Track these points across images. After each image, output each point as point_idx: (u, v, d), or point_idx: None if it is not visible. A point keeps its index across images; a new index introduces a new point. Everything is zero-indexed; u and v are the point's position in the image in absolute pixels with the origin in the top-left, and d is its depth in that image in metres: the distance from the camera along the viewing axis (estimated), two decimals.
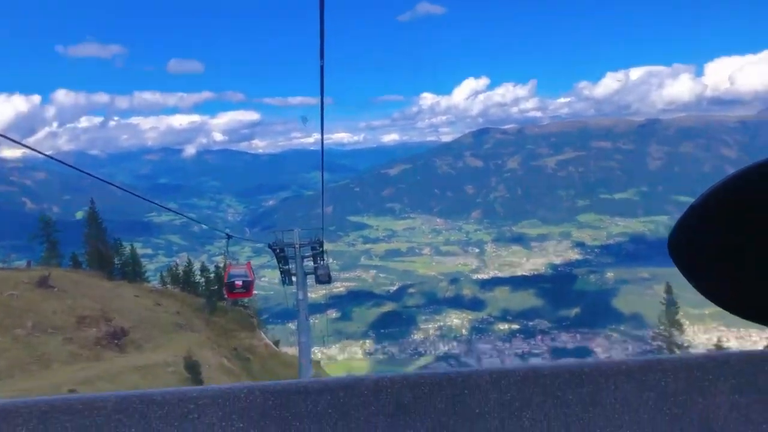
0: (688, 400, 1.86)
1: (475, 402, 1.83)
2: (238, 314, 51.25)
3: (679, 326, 47.94)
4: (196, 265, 59.95)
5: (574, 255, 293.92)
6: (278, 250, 35.87)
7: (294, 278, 36.12)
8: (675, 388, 1.89)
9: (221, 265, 67.09)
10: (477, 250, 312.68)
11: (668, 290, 54.67)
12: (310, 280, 39.12)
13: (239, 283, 28.74)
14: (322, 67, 8.60)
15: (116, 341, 31.04)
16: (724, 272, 1.37)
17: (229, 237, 30.96)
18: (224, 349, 38.82)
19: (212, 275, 53.63)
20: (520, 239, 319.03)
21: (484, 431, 1.80)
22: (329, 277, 35.53)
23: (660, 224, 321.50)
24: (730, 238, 1.31)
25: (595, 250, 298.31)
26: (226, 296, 32.97)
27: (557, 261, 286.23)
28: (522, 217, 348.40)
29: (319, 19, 6.93)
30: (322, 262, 36.97)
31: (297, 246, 35.28)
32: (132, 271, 52.12)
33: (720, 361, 1.91)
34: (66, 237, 57.66)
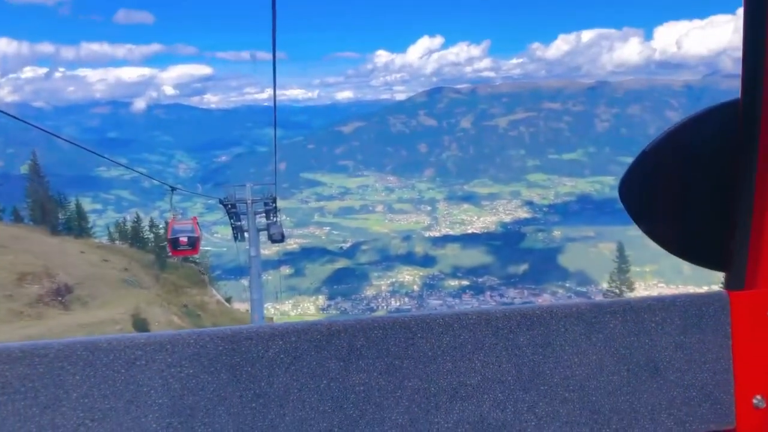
0: (636, 341, 1.92)
1: (427, 345, 1.82)
2: (188, 270, 49.74)
3: (629, 284, 48.79)
4: (146, 221, 58.22)
5: (523, 213, 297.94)
6: (230, 206, 34.60)
7: (246, 234, 35.26)
8: (623, 330, 1.93)
9: (164, 216, 65.31)
10: (429, 208, 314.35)
11: (620, 249, 55.61)
12: (263, 236, 38.23)
13: (184, 239, 26.84)
14: (273, 20, 8.71)
15: (60, 298, 29.80)
16: (673, 217, 1.50)
17: (173, 189, 28.24)
18: (174, 306, 37.77)
19: (162, 231, 52.12)
20: (471, 198, 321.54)
21: (436, 373, 1.82)
22: (282, 236, 34.84)
23: (606, 184, 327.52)
24: (680, 183, 1.44)
25: (544, 208, 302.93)
26: (169, 254, 30.47)
27: (507, 219, 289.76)
28: (473, 176, 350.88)
29: None
30: (275, 220, 36.21)
31: (249, 202, 34.25)
32: (78, 226, 49.92)
33: (667, 302, 1.99)
34: (10, 191, 55.17)
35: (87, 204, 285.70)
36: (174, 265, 48.60)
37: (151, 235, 52.15)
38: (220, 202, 34.48)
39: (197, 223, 28.76)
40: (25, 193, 49.52)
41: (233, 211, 34.76)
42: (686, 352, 1.91)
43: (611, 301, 1.96)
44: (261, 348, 1.73)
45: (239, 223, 35.79)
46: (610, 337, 1.91)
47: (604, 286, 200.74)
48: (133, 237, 52.61)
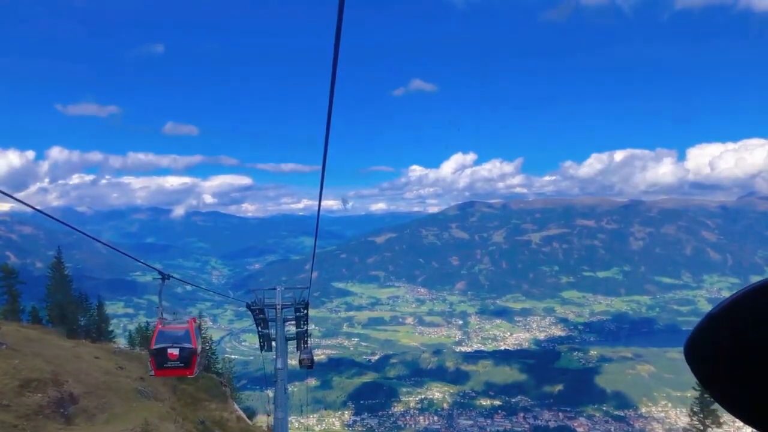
0: None
1: None
2: (209, 382, 45.87)
3: (715, 418, 42.56)
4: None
5: (558, 331, 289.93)
6: (257, 311, 32.01)
7: (274, 344, 32.48)
8: None
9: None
10: (460, 322, 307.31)
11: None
12: (291, 346, 35.34)
13: (174, 352, 18.89)
14: (326, 138, 8.09)
15: (62, 410, 26.52)
16: (740, 383, 1.36)
17: (164, 278, 19.53)
18: (190, 422, 34.10)
19: None
20: (503, 313, 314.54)
21: None
22: (312, 362, 32.46)
23: (642, 304, 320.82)
24: (748, 348, 1.30)
25: (579, 326, 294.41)
26: (151, 373, 19.55)
27: (541, 336, 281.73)
28: (506, 290, 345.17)
29: (329, 95, 6.58)
30: (305, 347, 33.88)
31: (278, 307, 31.58)
32: (96, 329, 47.13)
33: None
34: (40, 292, 53.26)
35: (120, 308, 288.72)
36: (193, 375, 45.06)
37: None
38: (248, 306, 31.88)
39: (195, 327, 20.52)
40: (46, 293, 47.23)
41: (261, 318, 32.08)
42: None
43: None
44: None
45: (267, 331, 33.15)
46: None
47: (650, 410, 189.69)
48: None
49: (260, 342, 34.36)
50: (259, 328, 33.23)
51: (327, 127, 7.88)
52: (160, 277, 18.78)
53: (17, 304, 45.90)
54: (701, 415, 41.66)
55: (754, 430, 1.51)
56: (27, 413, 24.84)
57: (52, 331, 40.44)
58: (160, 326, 19.79)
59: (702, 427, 41.66)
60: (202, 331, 43.67)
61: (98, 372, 33.32)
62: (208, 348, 56.55)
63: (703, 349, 1.48)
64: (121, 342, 51.10)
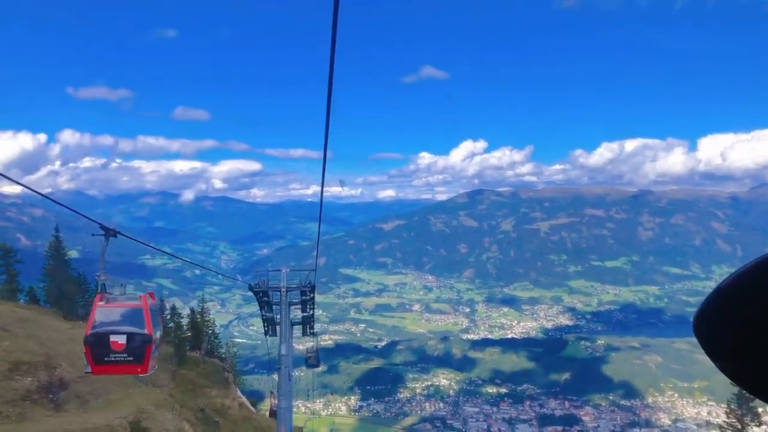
0: None
1: None
2: (211, 367, 43.89)
3: (756, 415, 39.50)
4: (178, 306, 53.95)
5: (565, 320, 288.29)
6: (261, 294, 30.23)
7: (279, 328, 30.80)
8: None
9: (200, 306, 59.85)
10: (468, 310, 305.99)
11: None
12: (297, 331, 33.69)
13: (120, 341, 13.16)
14: (327, 122, 7.99)
15: (52, 396, 24.92)
16: (748, 355, 1.36)
17: (108, 234, 13.26)
18: (189, 410, 32.42)
19: (183, 320, 46.89)
20: (511, 301, 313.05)
21: None
22: (318, 361, 32.17)
23: (650, 294, 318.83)
24: (756, 320, 1.29)
25: (586, 316, 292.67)
26: (88, 369, 13.64)
27: (548, 325, 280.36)
28: (514, 279, 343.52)
29: (327, 78, 6.59)
30: (311, 345, 32.98)
31: (283, 290, 29.84)
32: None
33: None
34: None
35: (129, 292, 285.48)
36: (194, 360, 42.70)
37: (171, 324, 45.90)
38: (251, 288, 30.16)
39: (152, 306, 14.47)
40: (44, 273, 45.79)
41: (265, 300, 30.37)
42: None
43: None
44: None
45: (271, 314, 31.41)
46: None
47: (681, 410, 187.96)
48: None
49: (264, 326, 32.77)
50: (263, 312, 31.61)
51: (327, 113, 7.61)
52: (102, 233, 12.93)
53: (15, 283, 44.46)
54: (740, 413, 39.31)
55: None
56: (14, 399, 23.32)
57: (49, 312, 39.03)
58: (99, 303, 13.78)
59: (740, 426, 39.32)
60: (164, 311, 41.68)
61: None
62: (210, 332, 54.86)
63: (712, 322, 1.50)
64: None
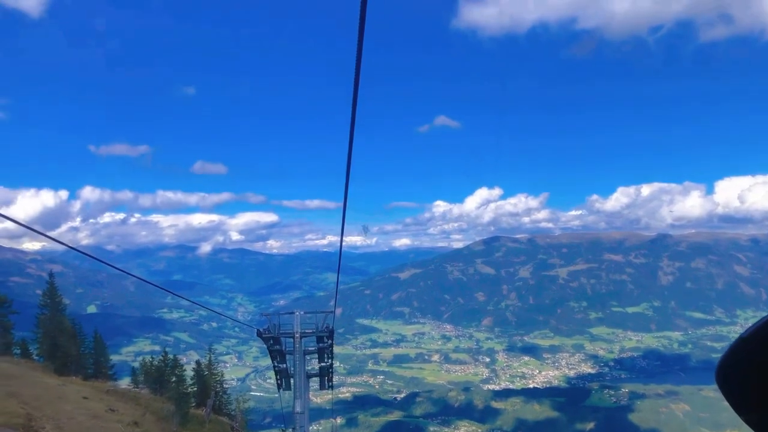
0: None
1: None
2: (218, 427, 41.01)
3: None
4: (190, 362, 52.35)
5: (588, 368, 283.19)
6: (272, 341, 27.80)
7: (293, 381, 28.60)
8: None
9: (206, 357, 57.08)
10: (488, 359, 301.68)
11: None
12: (314, 383, 31.69)
13: None
14: (348, 171, 8.11)
15: None
16: None
17: None
18: None
19: (186, 372, 44.19)
20: (532, 349, 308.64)
21: None
22: None
23: (674, 340, 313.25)
24: None
25: (609, 363, 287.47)
26: None
27: (570, 373, 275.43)
28: (534, 326, 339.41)
29: (349, 130, 6.83)
30: (329, 362, 29.82)
31: (297, 335, 27.93)
32: (94, 365, 44.04)
33: None
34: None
35: (146, 345, 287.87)
36: (199, 419, 39.65)
37: (174, 378, 42.42)
38: (259, 334, 27.75)
39: None
40: (36, 323, 43.01)
41: (277, 349, 27.92)
42: None
43: None
44: None
45: (284, 365, 29.04)
46: None
47: None
48: (157, 380, 42.01)
49: (277, 379, 30.09)
50: (275, 362, 28.96)
51: (347, 160, 7.74)
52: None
53: (9, 336, 41.78)
54: None
55: None
56: None
57: (39, 367, 36.64)
58: None
59: None
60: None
61: (84, 415, 28.69)
62: (219, 389, 53.01)
63: (735, 373, 1.43)
64: (127, 381, 46.33)
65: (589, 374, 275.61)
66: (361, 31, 4.52)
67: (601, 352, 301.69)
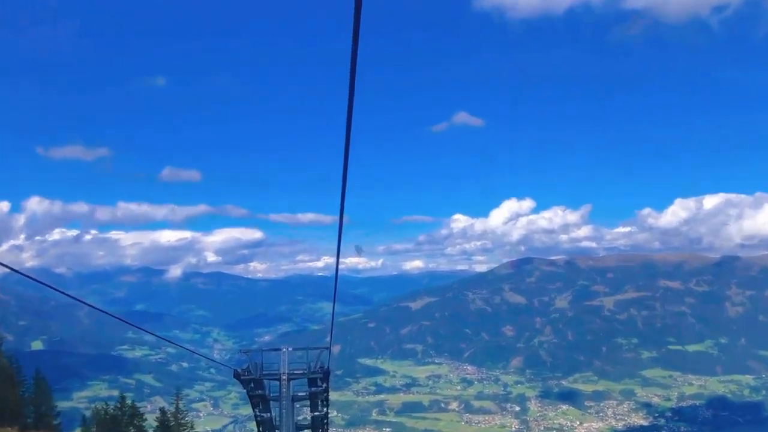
0: None
1: None
2: None
3: None
4: (151, 406, 52.24)
5: (639, 419, 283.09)
6: (253, 384, 27.11)
7: None
8: None
9: (172, 404, 56.64)
10: (517, 408, 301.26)
11: None
12: None
13: None
14: (344, 179, 8.56)
15: None
16: None
17: None
18: None
19: (148, 422, 43.82)
20: (571, 396, 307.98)
21: None
22: None
23: (744, 385, 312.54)
24: None
25: (666, 413, 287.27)
26: None
27: (618, 425, 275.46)
28: (573, 368, 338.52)
29: (345, 127, 7.12)
30: (324, 411, 29.05)
31: (284, 378, 26.63)
32: (35, 413, 43.55)
33: None
34: None
35: (102, 389, 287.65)
36: None
37: (132, 429, 41.78)
38: (236, 376, 27.02)
39: None
40: None
41: (259, 394, 27.18)
42: None
43: None
44: None
45: (268, 414, 28.19)
46: None
47: None
48: (112, 431, 41.22)
49: (258, 431, 29.72)
50: (257, 411, 28.14)
51: (344, 167, 8.08)
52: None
53: None
54: None
55: None
56: None
57: None
58: None
59: None
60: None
61: None
62: None
63: None
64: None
65: (642, 426, 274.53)
66: (358, 9, 4.57)
67: (655, 400, 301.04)
